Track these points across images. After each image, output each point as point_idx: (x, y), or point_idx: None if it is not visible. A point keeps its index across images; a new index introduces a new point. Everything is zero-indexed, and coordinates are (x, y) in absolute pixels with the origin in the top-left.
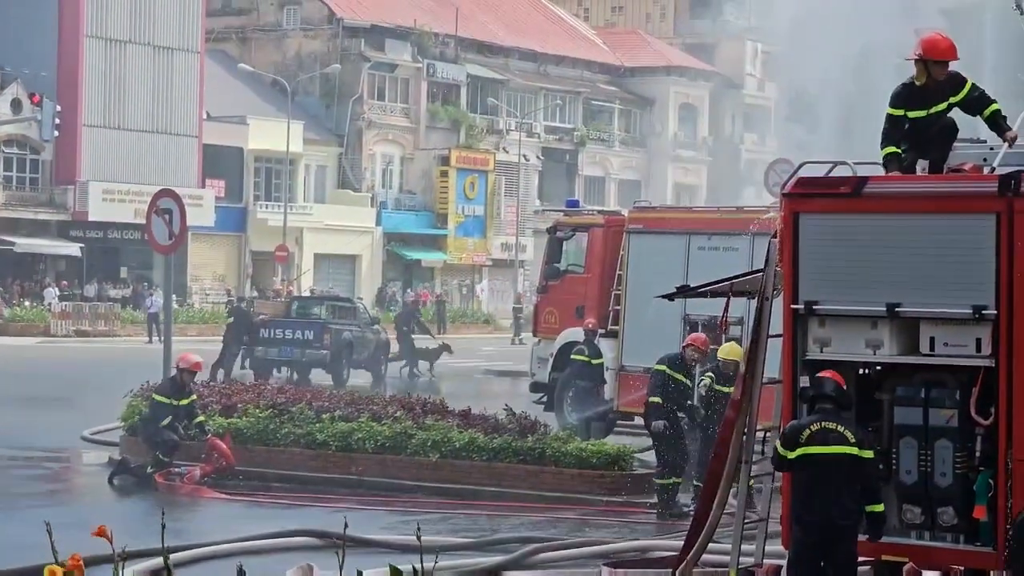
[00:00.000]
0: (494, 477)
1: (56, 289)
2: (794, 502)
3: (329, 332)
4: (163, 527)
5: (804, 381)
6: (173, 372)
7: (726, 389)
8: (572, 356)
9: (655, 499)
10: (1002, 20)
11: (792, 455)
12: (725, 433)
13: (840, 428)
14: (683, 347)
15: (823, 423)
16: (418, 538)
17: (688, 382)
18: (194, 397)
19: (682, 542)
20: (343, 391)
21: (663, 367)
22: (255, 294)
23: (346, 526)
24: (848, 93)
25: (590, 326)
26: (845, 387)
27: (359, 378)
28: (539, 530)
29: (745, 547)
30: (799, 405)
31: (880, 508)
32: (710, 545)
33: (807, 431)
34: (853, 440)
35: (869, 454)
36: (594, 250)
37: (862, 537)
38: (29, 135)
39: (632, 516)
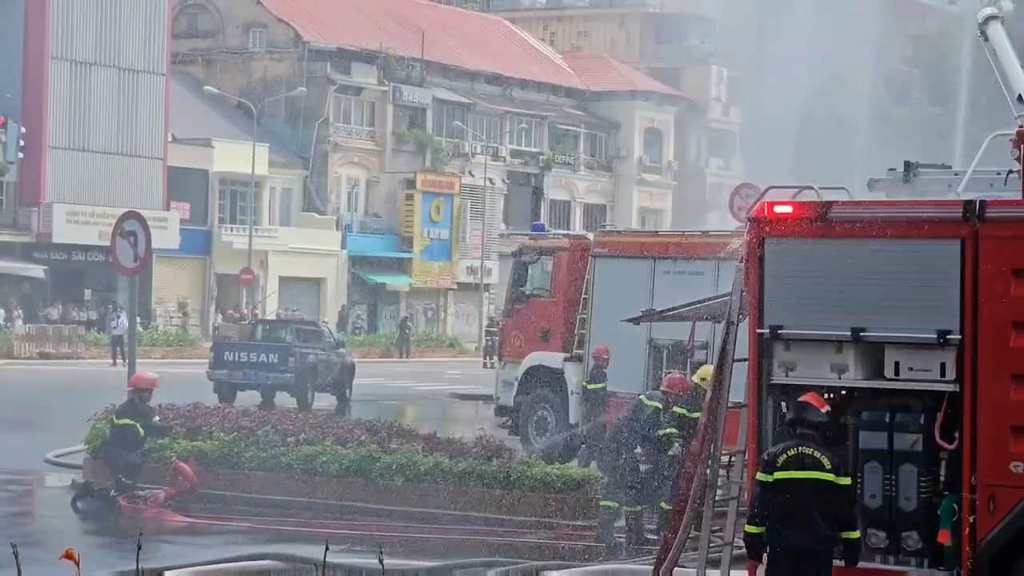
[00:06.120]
0: (459, 501)
1: (6, 311)
2: (770, 526)
3: (294, 355)
4: (139, 548)
5: (770, 405)
6: (129, 394)
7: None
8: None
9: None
10: (972, 47)
11: (770, 479)
12: (693, 457)
13: (816, 454)
14: None
15: (800, 448)
16: (380, 562)
17: None
18: (157, 418)
19: (650, 567)
20: (308, 414)
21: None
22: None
23: (327, 548)
24: (814, 118)
25: (600, 355)
26: (827, 408)
27: (323, 401)
28: (504, 554)
29: (710, 572)
30: (776, 429)
31: (856, 535)
32: (676, 570)
33: (784, 456)
34: (829, 466)
35: (846, 481)
36: (559, 274)
37: (838, 563)
38: None
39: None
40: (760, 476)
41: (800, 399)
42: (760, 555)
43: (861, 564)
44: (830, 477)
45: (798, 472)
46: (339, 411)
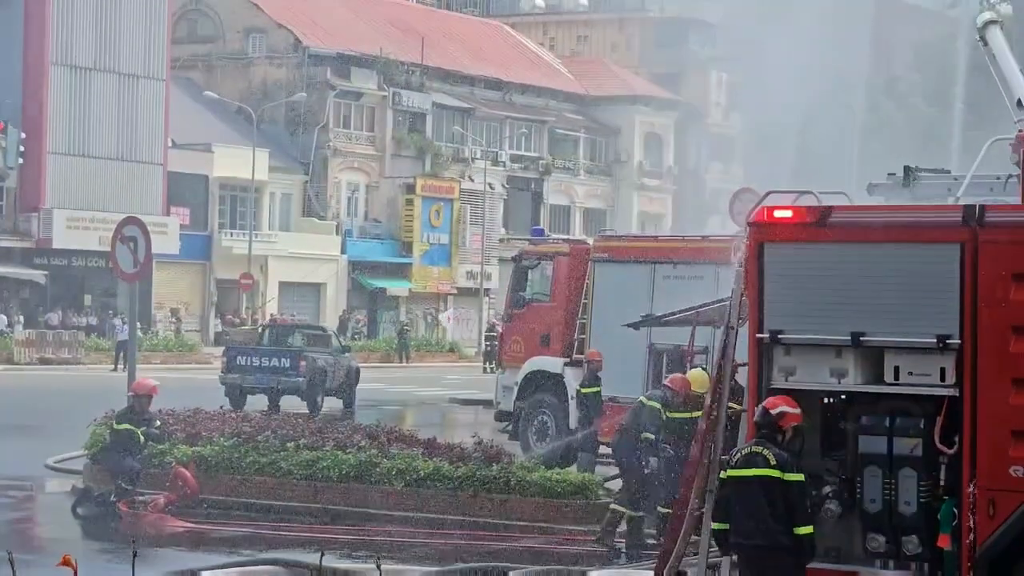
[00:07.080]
0: (459, 506)
1: (6, 316)
2: (730, 524)
3: (304, 360)
4: (134, 555)
5: None
6: (129, 399)
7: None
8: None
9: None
10: (972, 53)
11: (724, 477)
12: (693, 462)
13: (766, 452)
14: None
15: (753, 447)
16: (378, 567)
17: None
18: (158, 423)
19: (650, 572)
20: (308, 419)
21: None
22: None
23: (322, 554)
24: (814, 122)
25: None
26: (797, 410)
27: (327, 405)
28: (504, 559)
29: None
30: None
31: (807, 531)
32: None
33: (739, 455)
34: (774, 462)
35: (795, 477)
36: (559, 279)
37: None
38: None
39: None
40: (720, 474)
41: (764, 403)
42: (728, 550)
43: (860, 567)
44: (775, 473)
45: (745, 470)
46: (346, 415)
